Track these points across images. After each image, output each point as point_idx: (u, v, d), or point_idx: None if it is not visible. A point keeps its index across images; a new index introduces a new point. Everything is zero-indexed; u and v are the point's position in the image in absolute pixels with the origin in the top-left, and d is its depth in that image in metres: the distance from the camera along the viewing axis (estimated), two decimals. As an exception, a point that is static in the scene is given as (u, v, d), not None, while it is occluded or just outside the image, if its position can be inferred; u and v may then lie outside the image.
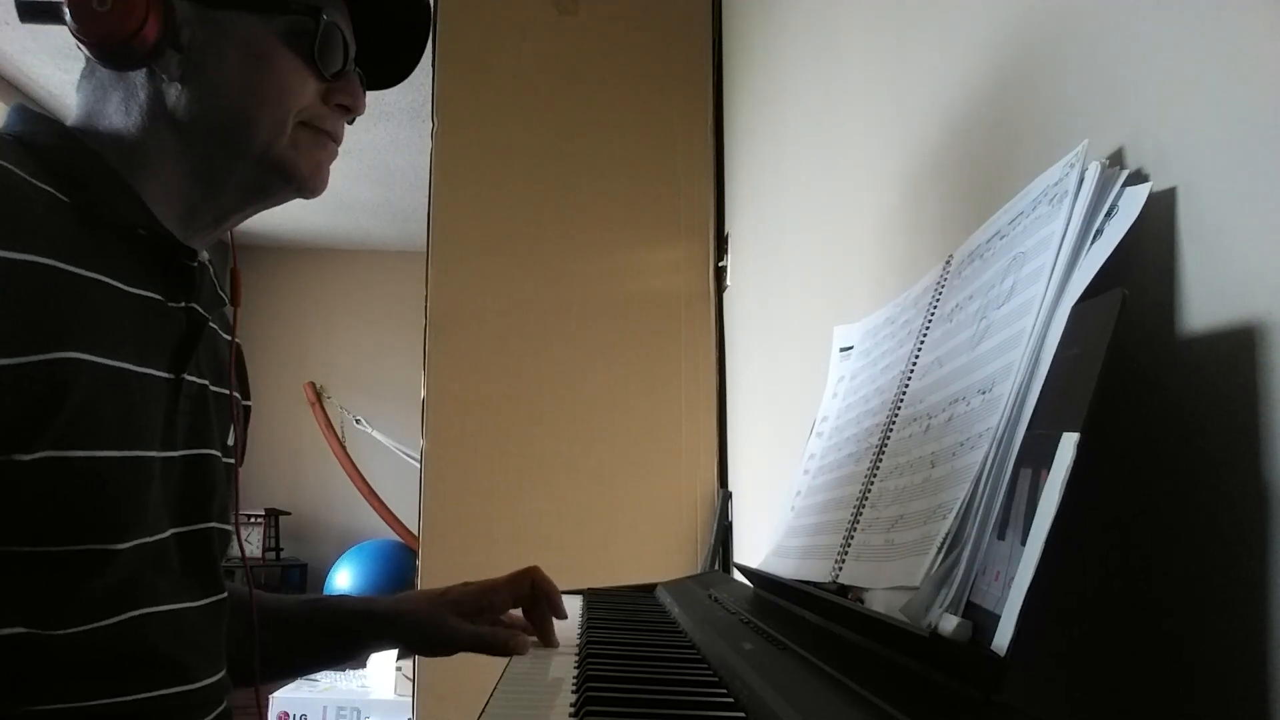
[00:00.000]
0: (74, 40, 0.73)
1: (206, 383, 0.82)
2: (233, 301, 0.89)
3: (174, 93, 0.77)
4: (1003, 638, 0.45)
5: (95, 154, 0.75)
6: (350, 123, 0.87)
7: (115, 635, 0.69)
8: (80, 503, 0.66)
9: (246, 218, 0.87)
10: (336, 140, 0.86)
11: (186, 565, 0.78)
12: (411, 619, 0.98)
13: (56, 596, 0.66)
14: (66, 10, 0.72)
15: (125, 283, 0.73)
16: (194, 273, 0.79)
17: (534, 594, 0.97)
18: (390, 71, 0.94)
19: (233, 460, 0.89)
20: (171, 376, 0.76)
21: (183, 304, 0.79)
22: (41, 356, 0.64)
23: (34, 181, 0.68)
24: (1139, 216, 0.51)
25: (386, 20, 0.89)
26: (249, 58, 0.78)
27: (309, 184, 0.83)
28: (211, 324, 0.84)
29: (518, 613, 0.99)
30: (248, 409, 0.95)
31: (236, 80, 0.78)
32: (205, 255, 0.84)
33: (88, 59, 0.77)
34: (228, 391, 0.87)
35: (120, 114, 0.78)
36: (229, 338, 0.91)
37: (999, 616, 0.46)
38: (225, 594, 0.83)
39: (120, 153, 0.77)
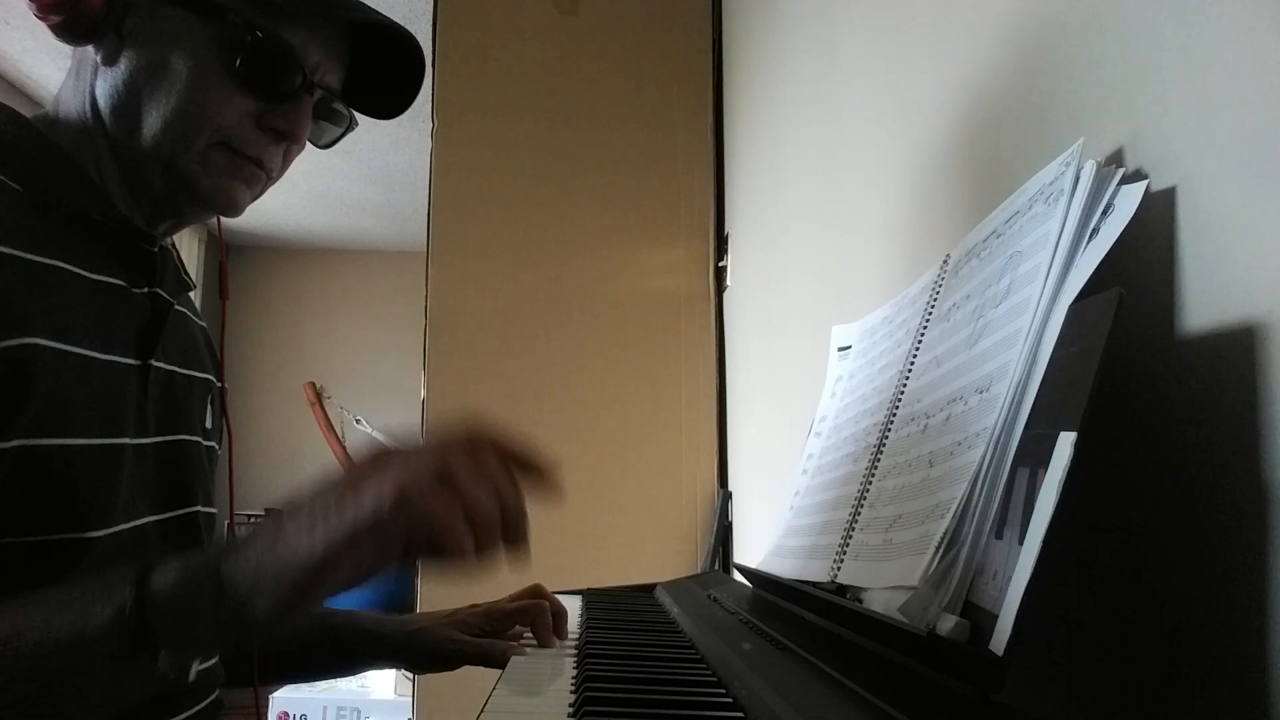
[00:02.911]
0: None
1: (175, 368, 0.81)
2: (221, 295, 0.87)
3: (103, 79, 0.74)
4: (1001, 637, 0.45)
5: (45, 139, 0.73)
6: (296, 150, 0.81)
7: None
8: (54, 491, 0.65)
9: (199, 221, 0.83)
10: (262, 167, 0.79)
11: (171, 552, 0.77)
12: (418, 640, 0.97)
13: (34, 589, 0.65)
14: None
15: (86, 269, 0.71)
16: (154, 257, 0.77)
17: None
18: (388, 103, 0.89)
19: (214, 444, 0.88)
20: (139, 363, 0.75)
21: (145, 289, 0.77)
22: (3, 343, 0.62)
23: None
24: (1138, 215, 0.51)
25: (382, 53, 0.85)
26: (177, 61, 0.73)
27: (213, 205, 0.78)
28: (178, 307, 0.83)
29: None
30: (221, 391, 0.94)
31: (158, 80, 0.74)
32: (168, 241, 0.82)
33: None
34: (199, 375, 0.86)
35: (69, 95, 0.76)
36: (200, 322, 0.90)
37: (997, 616, 0.46)
38: None
39: (72, 137, 0.75)
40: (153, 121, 0.74)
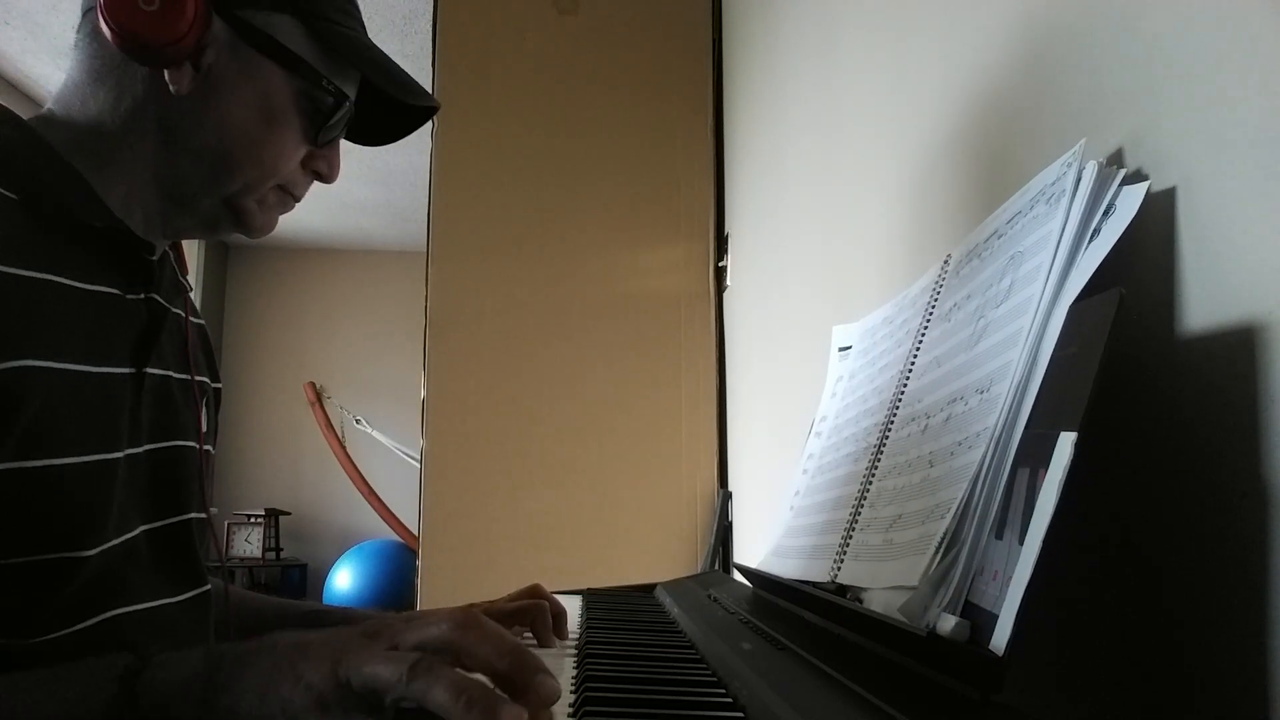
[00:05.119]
0: (100, 19, 0.69)
1: (170, 373, 0.81)
2: (179, 272, 0.87)
3: (177, 106, 0.75)
4: (1001, 637, 0.45)
5: (46, 145, 0.72)
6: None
7: (90, 638, 0.67)
8: (44, 512, 0.65)
9: (195, 237, 0.86)
10: (299, 199, 0.85)
11: (161, 561, 0.76)
12: None
13: (26, 607, 0.64)
14: None
15: (80, 280, 0.70)
16: (152, 265, 0.77)
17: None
18: (384, 133, 0.93)
19: (209, 447, 0.88)
20: (133, 371, 0.75)
21: (142, 296, 0.77)
22: None
23: None
24: (1138, 216, 0.51)
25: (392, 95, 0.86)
26: (261, 108, 0.76)
27: (257, 234, 0.83)
28: (175, 310, 0.83)
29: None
30: (218, 391, 0.94)
31: (240, 122, 0.76)
32: (165, 245, 0.82)
33: (89, 33, 0.74)
34: (194, 378, 0.86)
35: (109, 103, 0.75)
36: (197, 321, 0.90)
37: (997, 616, 0.46)
38: (208, 587, 0.82)
39: (93, 142, 0.74)
40: (230, 163, 0.77)
